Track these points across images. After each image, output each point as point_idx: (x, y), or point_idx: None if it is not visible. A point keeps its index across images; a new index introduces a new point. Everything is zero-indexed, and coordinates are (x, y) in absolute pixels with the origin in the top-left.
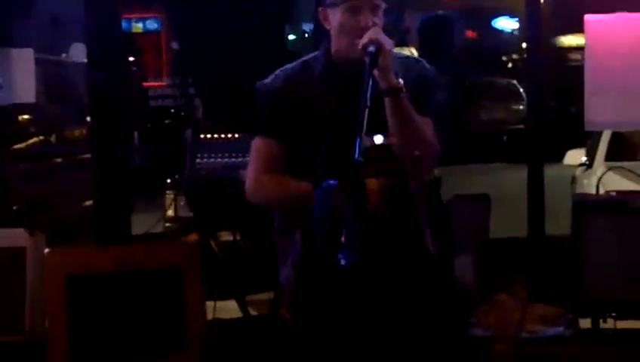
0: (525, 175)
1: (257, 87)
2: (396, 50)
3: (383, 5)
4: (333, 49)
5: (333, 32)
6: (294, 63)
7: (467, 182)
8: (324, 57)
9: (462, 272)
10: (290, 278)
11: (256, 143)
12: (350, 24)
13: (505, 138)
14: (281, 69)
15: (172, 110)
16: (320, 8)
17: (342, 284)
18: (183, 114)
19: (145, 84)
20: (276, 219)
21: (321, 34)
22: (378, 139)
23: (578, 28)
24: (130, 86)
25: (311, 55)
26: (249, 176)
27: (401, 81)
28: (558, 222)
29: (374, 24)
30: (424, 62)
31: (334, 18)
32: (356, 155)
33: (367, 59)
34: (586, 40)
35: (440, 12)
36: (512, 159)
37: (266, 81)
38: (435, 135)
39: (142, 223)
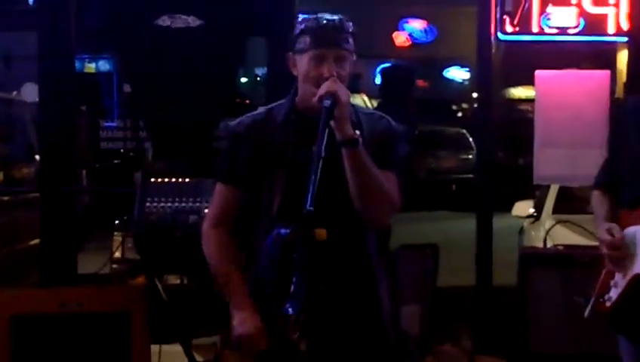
0: (473, 224)
1: (221, 127)
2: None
3: (351, 57)
4: (298, 95)
5: (299, 79)
6: (262, 109)
7: (414, 230)
8: (289, 103)
9: (408, 322)
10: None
11: (217, 187)
12: (315, 72)
13: (454, 187)
14: (248, 114)
15: (121, 150)
16: (290, 53)
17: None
18: (132, 155)
19: (95, 123)
20: None
21: (275, 79)
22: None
23: (528, 80)
24: (80, 125)
25: (279, 102)
26: (205, 221)
27: (357, 132)
28: (505, 273)
29: (338, 74)
30: (389, 118)
31: (301, 65)
32: (307, 205)
33: (323, 110)
34: (536, 95)
35: (398, 61)
36: (461, 208)
37: (231, 123)
38: (397, 189)
39: (89, 264)
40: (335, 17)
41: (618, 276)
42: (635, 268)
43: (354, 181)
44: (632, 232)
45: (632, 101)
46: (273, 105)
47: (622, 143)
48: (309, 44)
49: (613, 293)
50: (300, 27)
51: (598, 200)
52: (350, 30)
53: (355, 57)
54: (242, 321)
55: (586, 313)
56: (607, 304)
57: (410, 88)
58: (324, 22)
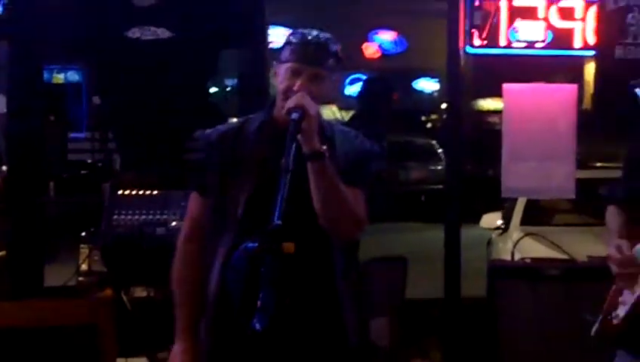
0: (442, 235)
1: (196, 136)
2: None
3: (329, 78)
4: (275, 106)
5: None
6: (240, 119)
7: (383, 241)
8: (266, 113)
9: (377, 334)
10: (204, 338)
11: (191, 196)
12: (287, 84)
13: (423, 198)
14: (225, 123)
15: (89, 161)
16: (274, 62)
17: (255, 348)
18: (100, 165)
19: (64, 134)
20: None
21: (246, 90)
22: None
23: (497, 92)
24: (48, 136)
25: (258, 113)
26: (181, 233)
27: (324, 147)
28: (474, 284)
29: (310, 91)
30: (362, 135)
31: (279, 75)
32: (275, 219)
33: (291, 123)
34: (504, 108)
35: (380, 74)
36: (430, 219)
37: (207, 131)
38: (363, 206)
39: (56, 276)
40: (322, 36)
41: (626, 293)
42: None
43: (318, 195)
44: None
45: None
46: (252, 115)
47: None
48: (288, 56)
49: (621, 311)
50: (287, 38)
51: (611, 216)
52: (334, 51)
53: (335, 80)
54: (175, 354)
55: (593, 331)
56: (614, 321)
57: (390, 102)
58: (309, 38)
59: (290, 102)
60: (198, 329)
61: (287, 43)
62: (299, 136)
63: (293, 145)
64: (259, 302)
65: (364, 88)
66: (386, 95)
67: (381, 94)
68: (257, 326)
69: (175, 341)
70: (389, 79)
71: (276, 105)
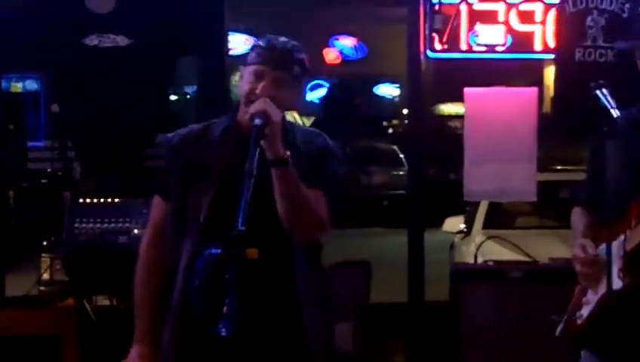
0: (405, 240)
1: (160, 139)
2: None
3: (293, 84)
4: (239, 110)
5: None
6: (204, 123)
7: (346, 246)
8: (229, 118)
9: (341, 339)
10: (167, 344)
11: (153, 201)
12: (249, 87)
13: (385, 203)
14: (189, 126)
15: (49, 170)
16: (241, 66)
17: (218, 354)
18: (60, 173)
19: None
20: None
21: (205, 96)
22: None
23: (458, 96)
24: (7, 145)
25: (222, 117)
26: (143, 238)
27: (288, 152)
28: (438, 287)
29: (272, 96)
30: (325, 136)
31: (243, 78)
32: (239, 225)
33: (254, 129)
34: (466, 112)
35: (336, 81)
36: (393, 224)
37: (168, 135)
38: (325, 208)
39: (16, 285)
40: (289, 42)
41: (590, 293)
42: (606, 285)
43: (282, 200)
44: (604, 248)
45: (624, 115)
46: (215, 120)
47: (603, 161)
48: (253, 59)
49: (585, 311)
50: (255, 42)
51: (577, 217)
52: (299, 59)
53: (299, 87)
54: (132, 358)
55: (558, 331)
56: (579, 321)
57: (353, 109)
58: (275, 43)
59: (253, 108)
60: (160, 335)
61: (255, 47)
62: (262, 142)
63: (257, 151)
64: (225, 308)
65: (327, 95)
66: (349, 102)
67: (344, 102)
68: (223, 332)
69: (132, 345)
70: (352, 87)
71: (240, 109)
